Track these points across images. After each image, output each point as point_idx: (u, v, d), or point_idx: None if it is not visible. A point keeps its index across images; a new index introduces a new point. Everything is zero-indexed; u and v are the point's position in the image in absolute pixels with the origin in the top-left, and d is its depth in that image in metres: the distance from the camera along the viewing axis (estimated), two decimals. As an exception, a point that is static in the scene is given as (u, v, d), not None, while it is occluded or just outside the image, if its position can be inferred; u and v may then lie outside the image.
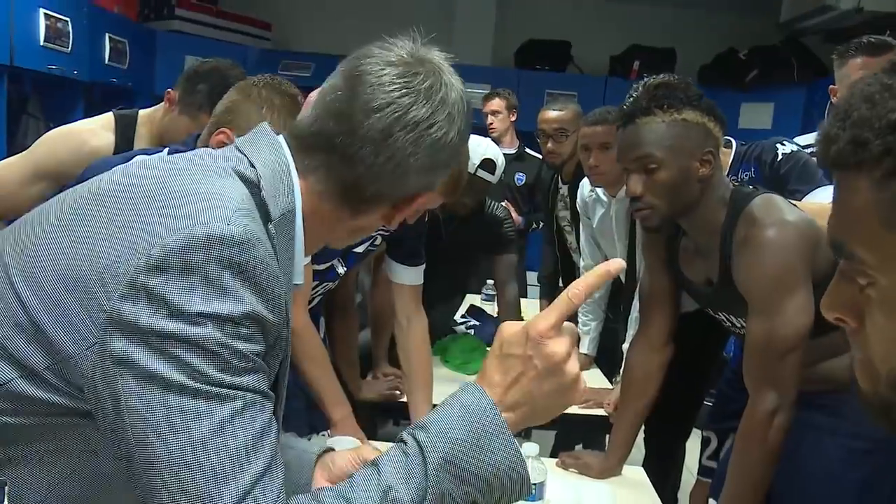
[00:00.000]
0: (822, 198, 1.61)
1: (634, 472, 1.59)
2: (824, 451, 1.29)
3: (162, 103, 1.68)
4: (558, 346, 0.66)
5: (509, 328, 0.68)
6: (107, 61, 3.78)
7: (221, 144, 1.11)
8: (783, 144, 1.75)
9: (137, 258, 0.61)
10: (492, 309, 2.81)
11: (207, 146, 1.15)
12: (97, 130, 1.62)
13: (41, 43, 3.18)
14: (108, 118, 1.66)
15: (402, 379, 1.68)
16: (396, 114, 0.71)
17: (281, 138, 0.76)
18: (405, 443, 0.65)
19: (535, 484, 1.24)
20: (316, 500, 0.64)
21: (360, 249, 1.54)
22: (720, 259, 1.30)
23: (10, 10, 2.91)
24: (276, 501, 0.62)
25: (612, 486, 1.49)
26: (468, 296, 2.77)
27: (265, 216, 0.68)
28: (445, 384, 1.80)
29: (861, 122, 0.44)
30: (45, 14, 3.19)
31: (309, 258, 1.37)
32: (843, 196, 0.48)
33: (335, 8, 5.34)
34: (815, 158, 1.82)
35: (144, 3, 4.61)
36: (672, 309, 1.50)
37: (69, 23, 3.38)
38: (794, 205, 1.32)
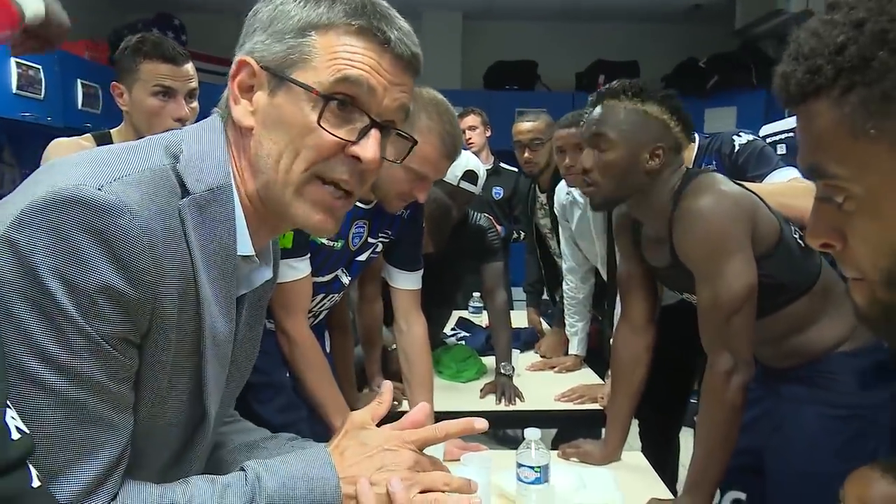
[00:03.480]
0: (779, 179, 1.69)
1: (635, 458, 1.64)
2: (805, 421, 1.35)
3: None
4: (407, 455, 0.75)
5: (363, 416, 0.79)
6: (80, 106, 3.81)
7: None
8: (739, 136, 1.84)
9: (12, 214, 0.59)
10: (480, 320, 2.86)
11: None
12: (82, 142, 1.67)
13: (13, 91, 3.21)
14: (85, 136, 1.71)
15: (403, 384, 1.70)
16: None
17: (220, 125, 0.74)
18: (245, 475, 0.69)
19: (539, 467, 1.28)
20: (148, 497, 0.64)
21: (362, 258, 1.56)
22: (670, 242, 1.37)
23: (-19, 60, 2.95)
24: (99, 493, 0.60)
25: (614, 471, 1.52)
26: (455, 311, 2.82)
27: (182, 190, 0.66)
28: (440, 392, 1.84)
29: (812, 53, 0.50)
30: (17, 62, 3.22)
31: (308, 267, 1.41)
32: (808, 125, 0.53)
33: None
34: (773, 149, 1.93)
35: (114, 48, 4.66)
36: (649, 292, 1.56)
37: (41, 70, 3.41)
38: (745, 186, 1.38)
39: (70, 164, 0.64)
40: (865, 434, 1.29)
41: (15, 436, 0.50)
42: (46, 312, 0.57)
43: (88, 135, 1.71)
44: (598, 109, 1.39)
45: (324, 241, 1.43)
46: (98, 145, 1.63)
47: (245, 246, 0.72)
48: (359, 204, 1.45)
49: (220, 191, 0.69)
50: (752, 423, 1.38)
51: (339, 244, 1.46)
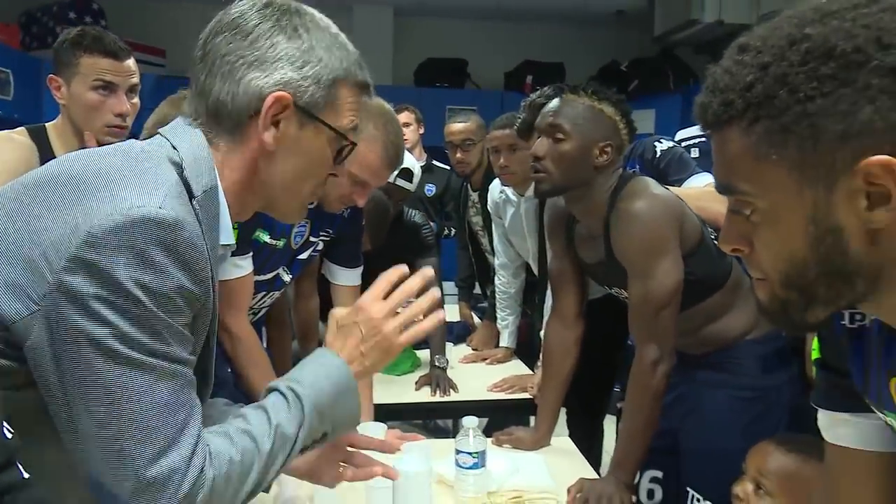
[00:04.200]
0: (696, 184, 1.84)
1: (563, 442, 1.74)
2: (715, 403, 1.48)
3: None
4: (375, 309, 0.87)
5: (342, 310, 0.91)
6: (-12, 92, 3.62)
7: None
8: (660, 142, 1.98)
9: (77, 236, 0.66)
10: (413, 314, 2.91)
11: None
12: (15, 136, 1.60)
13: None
14: (19, 130, 1.64)
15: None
16: (213, 27, 0.80)
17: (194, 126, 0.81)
18: (284, 395, 0.80)
19: (477, 452, 1.35)
20: (226, 434, 0.76)
21: (303, 256, 1.59)
22: (604, 238, 1.47)
23: None
24: (195, 452, 0.71)
25: (545, 455, 1.61)
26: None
27: (189, 194, 0.75)
28: (376, 385, 1.88)
29: (725, 88, 0.59)
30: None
31: (250, 265, 1.42)
32: (721, 148, 0.61)
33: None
34: (689, 152, 2.08)
35: (26, 31, 4.42)
36: (579, 287, 1.67)
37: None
38: (670, 189, 1.51)
39: (110, 184, 0.70)
40: (768, 413, 1.43)
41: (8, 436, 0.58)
42: (135, 315, 0.67)
43: (22, 128, 1.64)
44: (556, 102, 1.47)
45: (266, 239, 1.45)
46: (33, 140, 1.58)
47: (227, 236, 0.80)
48: (300, 203, 1.48)
49: (213, 190, 0.78)
50: (668, 407, 1.50)
51: (281, 243, 1.49)
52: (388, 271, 0.90)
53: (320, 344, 2.19)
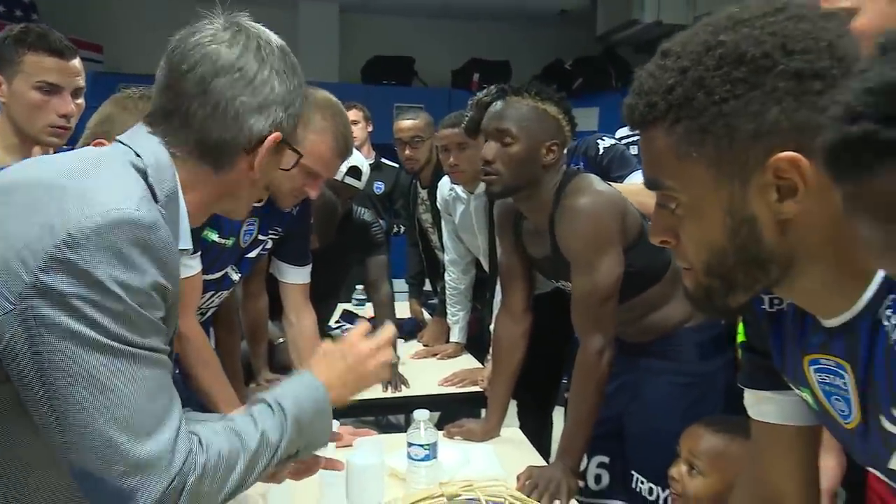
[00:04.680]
0: (637, 180, 1.91)
1: (513, 433, 1.78)
2: (657, 388, 1.56)
3: None
4: (364, 344, 1.00)
5: (328, 345, 1.02)
6: None
7: None
8: (603, 140, 2.06)
9: (55, 238, 0.68)
10: (364, 312, 2.92)
11: None
12: None
13: None
14: None
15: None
16: (207, 65, 0.80)
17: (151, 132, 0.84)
18: (271, 406, 0.86)
19: (428, 444, 1.38)
20: (216, 432, 0.80)
21: (252, 254, 1.58)
22: (550, 233, 1.52)
23: None
24: (178, 436, 0.74)
25: (495, 445, 1.65)
26: (339, 304, 2.86)
27: (154, 198, 0.78)
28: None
29: (650, 90, 0.63)
30: None
31: (199, 264, 1.42)
32: (647, 146, 0.66)
33: (173, 29, 5.21)
34: (629, 149, 2.15)
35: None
36: (527, 282, 1.71)
37: None
38: (612, 185, 1.57)
39: (85, 187, 0.73)
40: (705, 397, 1.51)
41: None
42: (114, 310, 0.70)
43: None
44: (500, 105, 1.50)
45: (215, 238, 1.44)
46: None
47: (186, 240, 0.83)
48: (249, 202, 1.48)
49: (174, 195, 0.82)
50: (613, 394, 1.56)
51: (229, 242, 1.48)
52: (362, 324, 1.05)
53: (270, 344, 2.19)
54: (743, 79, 0.58)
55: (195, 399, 1.49)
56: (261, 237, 1.57)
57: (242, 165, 0.85)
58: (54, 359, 0.68)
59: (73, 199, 0.71)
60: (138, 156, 0.80)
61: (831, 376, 0.67)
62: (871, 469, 0.70)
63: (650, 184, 0.67)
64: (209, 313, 1.62)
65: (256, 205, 1.49)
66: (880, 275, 0.61)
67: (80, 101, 1.60)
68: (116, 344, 0.70)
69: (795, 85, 0.57)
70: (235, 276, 1.57)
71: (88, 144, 1.19)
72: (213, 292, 1.53)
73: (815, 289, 0.64)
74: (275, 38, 0.86)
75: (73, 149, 1.27)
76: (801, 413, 0.80)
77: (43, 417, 0.70)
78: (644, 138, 0.65)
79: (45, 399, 0.70)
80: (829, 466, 1.26)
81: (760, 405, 0.84)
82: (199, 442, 0.77)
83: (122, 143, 0.82)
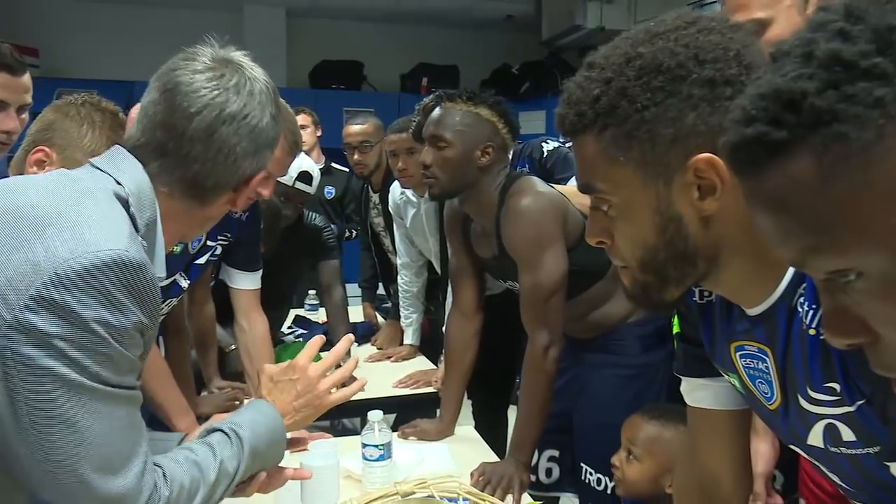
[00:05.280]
0: None
1: (467, 431, 1.82)
2: (603, 382, 1.61)
3: None
4: (311, 369, 1.02)
5: (274, 367, 1.03)
6: None
7: (40, 163, 1.12)
8: (547, 143, 2.12)
9: (41, 276, 0.68)
10: (317, 317, 2.91)
11: (24, 164, 1.15)
12: None
13: None
14: None
15: (247, 383, 1.73)
16: (214, 112, 0.82)
17: (133, 156, 0.83)
18: (228, 435, 0.89)
19: (382, 445, 1.40)
20: (179, 463, 0.82)
21: (201, 261, 1.57)
22: (496, 234, 1.57)
23: None
24: (146, 469, 0.77)
25: (449, 444, 1.68)
26: (292, 310, 2.85)
27: (135, 228, 0.78)
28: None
29: (578, 100, 0.67)
30: None
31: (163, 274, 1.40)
32: (580, 152, 0.70)
33: (112, 33, 5.09)
34: (572, 152, 2.22)
35: None
36: (477, 282, 1.76)
37: None
38: (554, 187, 1.62)
39: (73, 224, 0.72)
40: (648, 388, 1.57)
41: None
42: (96, 350, 0.71)
43: None
44: (437, 111, 1.55)
45: (161, 245, 1.43)
46: None
47: (161, 267, 0.83)
48: (197, 208, 1.48)
49: (153, 223, 0.83)
50: (561, 390, 1.61)
51: (177, 248, 1.47)
52: (313, 339, 1.08)
53: (221, 351, 2.16)
54: (661, 87, 0.62)
55: (147, 408, 1.48)
56: (209, 243, 1.56)
57: (225, 199, 0.88)
58: (31, 399, 0.68)
59: (60, 237, 0.70)
60: (119, 183, 0.79)
61: (755, 361, 0.73)
62: (794, 447, 0.75)
63: (583, 188, 0.71)
64: (158, 321, 1.60)
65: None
66: None
67: (25, 115, 1.55)
68: (96, 384, 0.71)
69: (709, 91, 0.62)
70: (184, 283, 1.56)
71: (29, 151, 1.17)
72: (161, 300, 1.52)
73: (738, 280, 0.69)
74: (266, 78, 0.89)
75: (11, 157, 1.25)
76: (731, 398, 0.86)
77: (13, 452, 0.70)
78: (575, 145, 0.70)
79: (15, 435, 0.69)
80: (763, 451, 1.33)
81: (695, 392, 0.90)
82: (164, 475, 0.79)
83: (99, 168, 0.81)
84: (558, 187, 1.67)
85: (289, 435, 1.15)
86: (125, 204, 0.79)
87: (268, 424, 0.94)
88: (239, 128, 0.83)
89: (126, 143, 0.85)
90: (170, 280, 1.51)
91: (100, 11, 5.12)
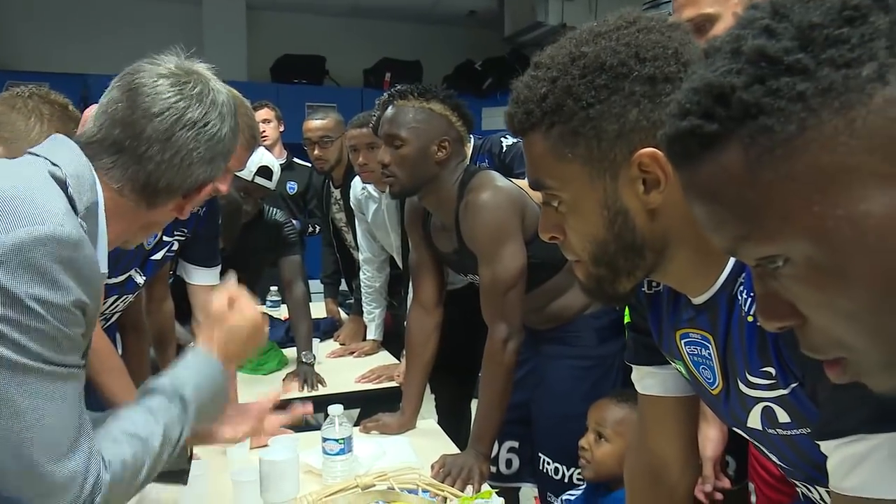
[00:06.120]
0: None
1: (429, 425, 1.83)
2: (560, 372, 1.64)
3: None
4: (249, 310, 0.96)
5: (215, 307, 0.96)
6: None
7: None
8: (506, 138, 2.14)
9: None
10: (278, 314, 2.89)
11: None
12: None
13: None
14: None
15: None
16: (175, 116, 0.83)
17: (73, 143, 0.83)
18: (171, 399, 0.85)
19: (342, 439, 1.40)
20: (117, 441, 0.79)
21: (157, 256, 1.54)
22: (456, 229, 1.59)
23: None
24: (91, 451, 0.74)
25: (411, 438, 1.70)
26: (253, 306, 2.81)
27: (74, 211, 0.76)
28: (243, 385, 1.87)
29: (526, 100, 0.69)
30: None
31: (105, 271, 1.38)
32: (529, 150, 0.71)
33: (68, 23, 4.94)
34: None
35: None
36: (437, 276, 1.77)
37: None
38: (514, 182, 1.64)
39: (6, 202, 0.71)
40: (605, 378, 1.60)
41: None
42: (34, 329, 0.69)
43: None
44: (390, 110, 1.55)
45: (116, 240, 1.41)
46: None
47: (103, 262, 0.81)
48: (152, 203, 1.45)
49: (94, 207, 0.80)
50: (520, 381, 1.64)
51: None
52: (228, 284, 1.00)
53: (180, 348, 2.14)
54: (605, 85, 0.64)
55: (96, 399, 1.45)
56: (165, 238, 1.54)
57: (171, 205, 0.88)
58: None
59: None
60: (55, 165, 0.78)
61: (698, 348, 0.75)
62: (736, 430, 0.78)
63: (534, 185, 0.72)
64: (114, 318, 1.57)
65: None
66: None
67: None
68: (36, 364, 0.69)
69: (650, 88, 0.64)
70: (140, 279, 1.53)
71: None
72: (116, 296, 1.49)
73: (684, 271, 0.72)
74: (228, 93, 0.91)
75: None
76: (678, 385, 0.89)
77: None
78: (525, 143, 0.71)
79: None
80: (712, 436, 1.37)
81: (644, 379, 0.92)
82: (103, 460, 0.76)
83: (35, 154, 0.80)
84: (517, 182, 1.69)
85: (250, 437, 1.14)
86: (63, 185, 0.77)
87: (210, 377, 0.89)
88: (198, 134, 0.85)
89: (80, 138, 0.85)
90: (124, 276, 1.48)
91: (45, 4, 4.97)
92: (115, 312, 1.56)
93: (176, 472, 1.04)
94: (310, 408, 1.14)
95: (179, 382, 0.87)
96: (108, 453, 0.77)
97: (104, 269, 0.82)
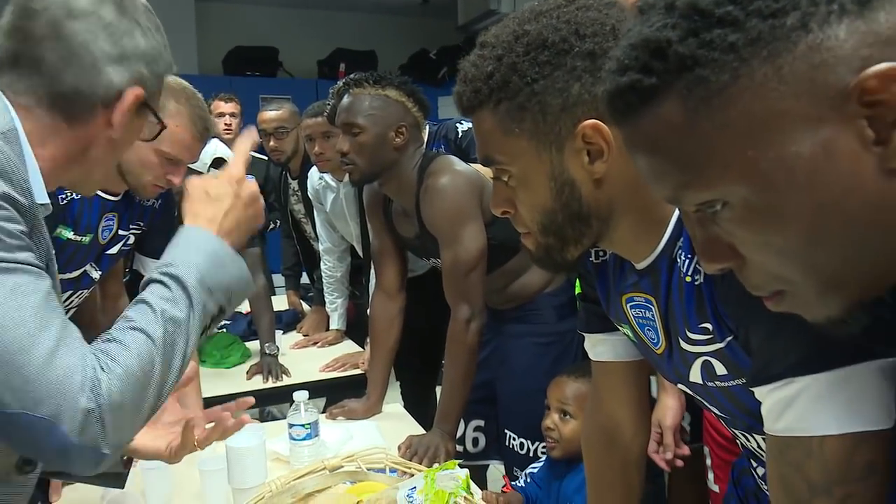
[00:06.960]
0: None
1: (395, 408, 1.86)
2: (522, 350, 1.69)
3: None
4: (237, 172, 0.87)
5: (208, 179, 0.87)
6: None
7: None
8: (461, 124, 2.16)
9: None
10: (239, 306, 2.86)
11: None
12: None
13: None
14: None
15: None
16: (60, 8, 0.76)
17: None
18: (161, 281, 0.76)
19: (308, 424, 1.42)
20: (111, 339, 0.72)
21: (113, 251, 1.52)
22: (416, 213, 1.61)
23: None
24: (82, 347, 0.69)
25: (377, 421, 1.72)
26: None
27: None
28: (207, 379, 1.86)
29: (473, 78, 0.71)
30: None
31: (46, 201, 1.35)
32: (478, 127, 0.74)
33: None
34: None
35: None
36: (399, 262, 1.79)
37: None
38: (471, 165, 1.67)
39: None
40: (565, 354, 1.65)
41: None
42: None
43: None
44: (346, 99, 1.56)
45: (69, 236, 1.39)
46: None
47: (41, 193, 0.75)
48: (106, 196, 1.43)
49: (13, 133, 0.74)
50: (484, 361, 1.68)
51: (86, 238, 1.43)
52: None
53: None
54: (547, 61, 0.67)
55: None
56: (121, 232, 1.52)
57: (100, 121, 0.79)
58: None
59: None
60: None
61: (642, 311, 0.79)
62: (680, 386, 0.82)
63: (484, 161, 0.75)
64: (69, 314, 1.55)
65: (113, 198, 1.45)
66: (673, 220, 0.73)
67: None
68: None
69: (590, 63, 0.67)
70: (95, 274, 1.51)
71: None
72: (71, 292, 1.47)
73: (628, 237, 0.76)
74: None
75: None
76: (627, 350, 0.93)
77: None
78: (474, 121, 0.74)
79: None
80: (670, 405, 1.43)
81: (596, 347, 0.96)
82: (99, 358, 0.69)
83: None
84: (475, 166, 1.72)
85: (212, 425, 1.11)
86: None
87: (203, 249, 0.79)
88: (91, 25, 0.76)
89: None
90: (79, 271, 1.46)
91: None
92: (71, 308, 1.54)
93: (112, 475, 1.01)
94: (251, 401, 1.11)
95: (166, 263, 0.78)
96: (108, 350, 0.70)
97: (43, 199, 0.75)
